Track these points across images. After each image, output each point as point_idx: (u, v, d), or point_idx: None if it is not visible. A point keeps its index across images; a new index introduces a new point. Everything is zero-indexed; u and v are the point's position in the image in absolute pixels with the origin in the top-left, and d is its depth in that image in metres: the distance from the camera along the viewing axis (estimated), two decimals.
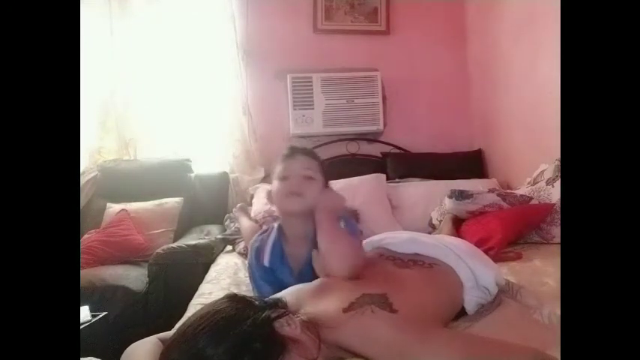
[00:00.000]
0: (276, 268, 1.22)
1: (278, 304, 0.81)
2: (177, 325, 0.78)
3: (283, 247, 1.24)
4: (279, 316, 0.76)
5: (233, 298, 0.78)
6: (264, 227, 1.78)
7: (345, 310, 0.83)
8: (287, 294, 0.94)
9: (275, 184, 1.23)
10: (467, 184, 2.34)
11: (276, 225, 1.28)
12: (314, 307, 0.88)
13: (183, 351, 0.69)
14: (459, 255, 1.15)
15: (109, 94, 2.64)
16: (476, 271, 1.12)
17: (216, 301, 0.79)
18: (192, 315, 0.77)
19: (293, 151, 1.25)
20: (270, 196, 1.28)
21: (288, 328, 0.75)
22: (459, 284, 1.10)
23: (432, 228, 2.20)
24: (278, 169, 1.24)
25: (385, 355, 0.76)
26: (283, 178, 1.21)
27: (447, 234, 1.86)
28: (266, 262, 1.22)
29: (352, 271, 1.02)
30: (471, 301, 1.10)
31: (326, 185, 1.24)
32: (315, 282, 1.03)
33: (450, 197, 2.01)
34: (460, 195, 1.98)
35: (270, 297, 0.87)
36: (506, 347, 0.76)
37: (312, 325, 0.80)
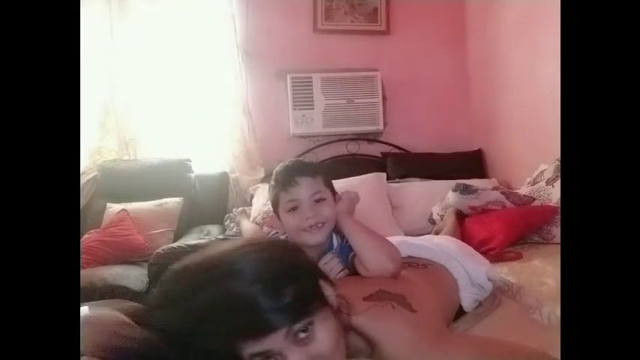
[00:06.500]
0: None
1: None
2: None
3: None
4: (323, 276, 0.69)
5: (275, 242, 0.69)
6: (265, 229, 1.77)
7: (366, 299, 0.83)
8: None
9: (285, 218, 1.08)
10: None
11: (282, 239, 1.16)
12: None
13: (204, 274, 0.59)
14: (450, 254, 1.16)
15: (109, 95, 2.63)
16: (468, 269, 1.13)
17: (256, 242, 0.68)
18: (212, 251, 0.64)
19: (293, 175, 1.06)
20: (279, 225, 1.15)
21: (326, 290, 0.68)
22: (454, 282, 1.11)
23: (432, 224, 2.20)
24: (283, 198, 1.07)
25: (396, 350, 0.76)
26: (293, 210, 1.06)
27: (450, 227, 1.87)
28: None
29: (400, 267, 0.99)
30: (467, 298, 1.11)
31: (334, 192, 1.12)
32: None
33: (455, 190, 2.01)
34: (465, 189, 1.99)
35: None
36: (514, 348, 0.77)
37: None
